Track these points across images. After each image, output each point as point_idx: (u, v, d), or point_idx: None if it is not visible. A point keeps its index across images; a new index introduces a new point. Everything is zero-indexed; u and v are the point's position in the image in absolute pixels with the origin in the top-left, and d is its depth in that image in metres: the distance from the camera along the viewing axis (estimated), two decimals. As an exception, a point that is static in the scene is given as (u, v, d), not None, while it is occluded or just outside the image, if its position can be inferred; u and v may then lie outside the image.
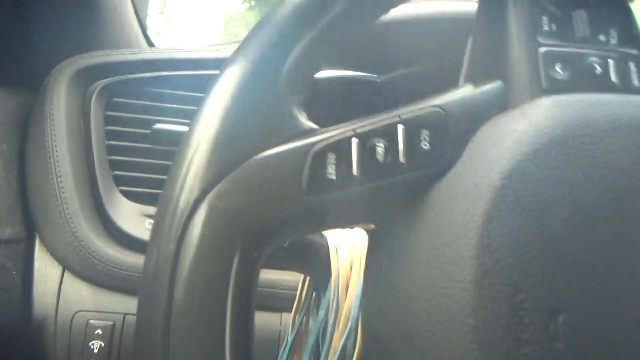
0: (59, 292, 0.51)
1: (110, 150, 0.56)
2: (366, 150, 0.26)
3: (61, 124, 0.53)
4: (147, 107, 0.57)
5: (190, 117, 0.57)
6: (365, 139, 0.26)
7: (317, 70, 0.28)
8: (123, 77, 0.57)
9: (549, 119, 0.25)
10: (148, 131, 0.56)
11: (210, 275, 0.24)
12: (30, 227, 0.52)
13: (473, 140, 0.27)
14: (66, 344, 0.50)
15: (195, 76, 0.58)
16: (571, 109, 0.26)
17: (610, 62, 0.28)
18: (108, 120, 0.56)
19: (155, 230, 0.25)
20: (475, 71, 0.32)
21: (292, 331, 0.44)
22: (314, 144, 0.25)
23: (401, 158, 0.26)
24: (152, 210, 0.56)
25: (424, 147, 0.26)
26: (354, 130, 0.26)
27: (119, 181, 0.56)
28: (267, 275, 0.53)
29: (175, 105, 0.57)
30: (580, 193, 0.24)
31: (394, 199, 0.27)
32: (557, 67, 0.28)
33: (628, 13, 0.30)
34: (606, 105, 0.26)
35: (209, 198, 0.24)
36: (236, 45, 0.60)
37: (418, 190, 0.27)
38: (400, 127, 0.26)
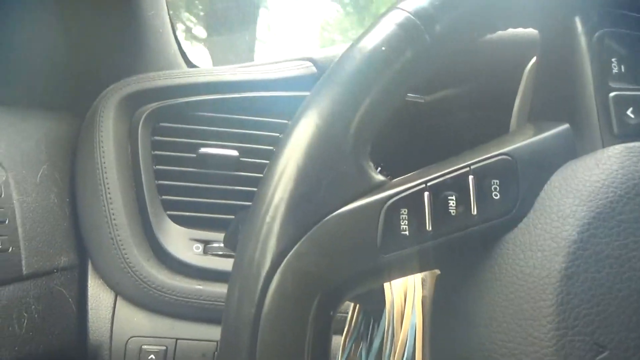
0: (112, 318, 0.52)
1: (158, 175, 0.57)
2: (438, 204, 0.26)
3: (110, 150, 0.54)
4: (193, 131, 0.58)
5: (235, 140, 0.58)
6: (436, 191, 0.26)
7: (385, 121, 0.28)
8: (169, 101, 0.58)
9: (624, 168, 0.25)
10: (194, 155, 0.57)
11: (289, 336, 0.24)
12: (82, 254, 0.53)
13: (545, 190, 0.26)
14: (121, 369, 0.51)
15: (240, 99, 0.59)
16: (635, 170, 0.25)
17: None
18: (155, 145, 0.57)
19: (233, 294, 0.25)
20: (540, 111, 0.32)
21: (342, 355, 0.44)
22: (386, 199, 0.25)
23: (473, 210, 0.26)
24: (199, 234, 0.56)
25: (494, 197, 0.26)
26: (425, 183, 0.26)
27: (167, 206, 0.56)
28: None
29: (220, 129, 0.58)
30: None
31: (464, 249, 0.27)
32: (629, 112, 0.28)
33: None
34: None
35: (287, 260, 0.24)
36: (286, 64, 0.60)
37: (489, 241, 0.26)
38: (470, 178, 0.26)
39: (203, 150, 0.57)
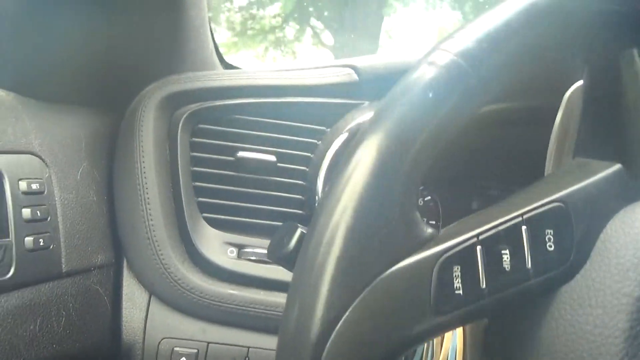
0: (146, 318, 0.52)
1: (195, 176, 0.56)
2: (492, 259, 0.25)
3: (150, 151, 0.54)
4: (231, 134, 0.57)
5: (273, 144, 0.58)
6: (489, 245, 0.25)
7: (428, 169, 0.27)
8: (209, 103, 0.57)
9: None
10: (232, 158, 0.57)
11: None
12: (118, 253, 0.53)
13: (601, 239, 0.25)
14: (152, 369, 0.51)
15: (279, 104, 0.58)
16: None
17: None
18: (193, 147, 0.57)
19: None
20: (587, 149, 0.31)
21: None
22: (438, 256, 0.24)
23: (527, 263, 0.25)
24: (234, 238, 0.56)
25: (549, 248, 0.25)
26: (477, 236, 0.25)
27: (203, 208, 0.56)
28: None
29: (259, 133, 0.58)
30: None
31: (518, 303, 0.26)
32: None
33: None
34: None
35: (338, 329, 0.23)
36: (327, 70, 0.59)
37: (545, 294, 0.25)
38: (524, 229, 0.25)
39: (241, 154, 0.57)
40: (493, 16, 0.26)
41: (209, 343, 0.51)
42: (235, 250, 0.55)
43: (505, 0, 0.26)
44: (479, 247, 0.25)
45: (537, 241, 0.25)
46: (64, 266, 0.46)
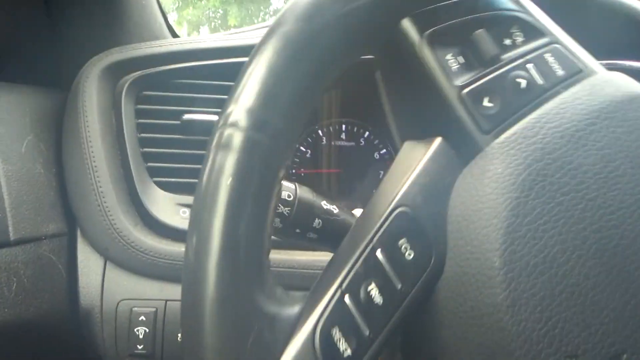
0: (102, 282, 0.53)
1: (143, 142, 0.57)
2: (363, 302, 0.25)
3: (94, 120, 0.55)
4: (176, 99, 0.58)
5: (218, 106, 0.58)
6: (355, 288, 0.25)
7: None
8: (151, 70, 0.58)
9: (510, 166, 0.24)
10: (178, 122, 0.58)
11: None
12: (71, 222, 0.54)
13: (451, 222, 0.26)
14: (112, 331, 0.52)
15: (221, 65, 0.59)
16: (521, 152, 0.25)
17: (529, 66, 0.28)
18: (139, 114, 0.58)
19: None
20: (407, 132, 0.32)
21: None
22: (313, 329, 0.24)
23: (397, 285, 0.25)
24: (185, 199, 0.57)
25: (408, 257, 0.25)
26: (339, 287, 0.25)
27: (152, 173, 0.57)
28: (301, 257, 0.54)
29: (203, 95, 0.58)
30: (574, 226, 0.23)
31: (409, 322, 0.26)
32: (486, 102, 0.27)
33: (521, 6, 0.30)
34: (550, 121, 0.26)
35: None
36: (261, 30, 0.60)
37: (426, 299, 0.26)
38: (379, 252, 0.25)
39: (187, 116, 0.57)
40: (264, 69, 0.25)
41: (166, 301, 0.52)
42: (187, 210, 0.56)
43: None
44: (346, 297, 0.25)
45: (395, 257, 0.25)
46: (11, 235, 0.47)
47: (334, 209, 0.40)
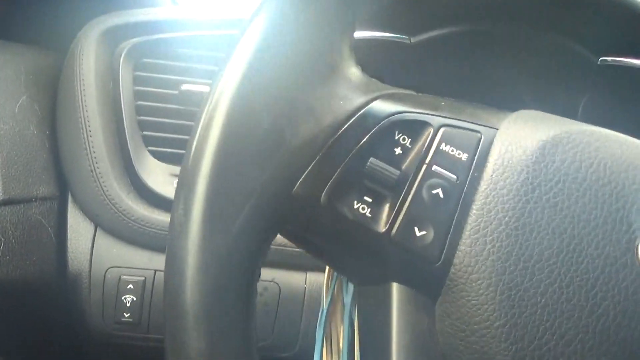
0: (92, 248, 0.52)
1: (139, 110, 0.56)
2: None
3: (91, 84, 0.54)
4: (175, 68, 0.57)
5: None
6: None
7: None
8: (152, 37, 0.57)
9: (483, 297, 0.25)
10: (176, 92, 0.57)
11: None
12: (62, 186, 0.53)
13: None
14: (100, 298, 0.52)
15: (224, 36, 0.58)
16: (483, 266, 0.25)
17: (435, 169, 0.26)
18: (137, 81, 0.56)
19: None
20: (358, 280, 0.33)
21: (326, 296, 0.44)
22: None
23: None
24: (179, 170, 0.56)
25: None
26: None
27: (147, 141, 0.56)
28: None
29: (203, 66, 0.57)
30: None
31: None
32: (418, 233, 0.26)
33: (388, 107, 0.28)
34: None
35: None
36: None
37: None
38: None
39: (185, 87, 0.56)
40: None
41: (156, 271, 0.52)
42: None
43: None
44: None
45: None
46: (1, 194, 0.46)
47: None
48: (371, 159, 0.26)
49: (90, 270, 0.52)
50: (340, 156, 0.26)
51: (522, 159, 0.25)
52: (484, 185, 0.25)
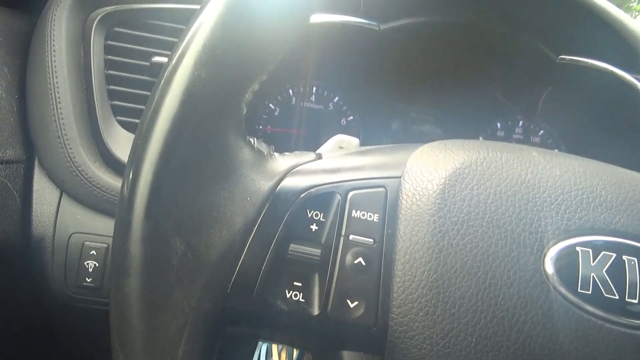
0: (56, 213, 0.53)
1: (110, 80, 0.57)
2: None
3: (62, 50, 0.54)
4: (147, 39, 0.57)
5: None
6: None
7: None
8: (125, 6, 0.57)
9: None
10: (147, 63, 0.57)
11: None
12: (29, 150, 0.54)
13: None
14: (62, 262, 0.53)
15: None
16: (417, 326, 0.26)
17: (353, 238, 0.28)
18: (108, 50, 0.57)
19: None
20: None
21: None
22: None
23: None
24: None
25: None
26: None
27: (116, 111, 0.57)
28: None
29: (175, 39, 0.58)
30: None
31: None
32: (351, 305, 0.27)
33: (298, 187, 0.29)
34: None
35: None
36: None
37: None
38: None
39: (156, 59, 0.57)
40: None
41: (119, 238, 0.53)
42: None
43: None
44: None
45: None
46: (-34, 155, 0.46)
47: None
48: (291, 246, 0.27)
49: (54, 235, 0.53)
50: (261, 253, 0.27)
51: (428, 209, 0.26)
52: (399, 243, 0.26)
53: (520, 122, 0.75)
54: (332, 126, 0.74)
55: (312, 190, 0.28)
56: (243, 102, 0.28)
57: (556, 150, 0.76)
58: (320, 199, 0.28)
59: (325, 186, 0.28)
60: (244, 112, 0.28)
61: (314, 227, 0.28)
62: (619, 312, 0.25)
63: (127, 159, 0.54)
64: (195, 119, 0.25)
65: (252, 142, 0.29)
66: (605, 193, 0.27)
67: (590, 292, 0.25)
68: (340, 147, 0.40)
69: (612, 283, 0.26)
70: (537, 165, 0.28)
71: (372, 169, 0.29)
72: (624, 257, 0.26)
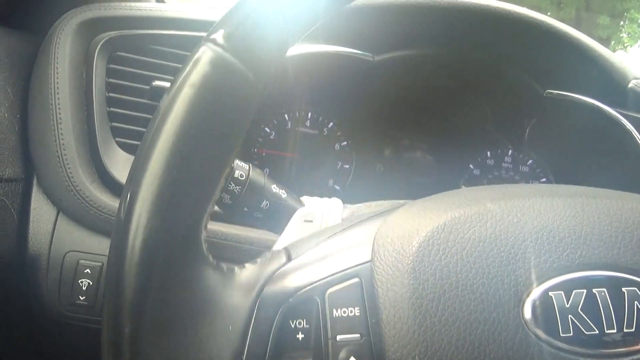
0: (53, 231, 0.54)
1: (110, 102, 0.58)
2: None
3: (65, 72, 0.55)
4: (148, 64, 0.59)
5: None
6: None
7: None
8: (128, 32, 0.59)
9: None
10: (147, 87, 0.59)
11: None
12: (28, 168, 0.55)
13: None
14: (57, 280, 0.53)
15: (198, 37, 0.60)
16: None
17: (340, 337, 0.28)
18: (110, 73, 0.59)
19: None
20: None
21: None
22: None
23: None
24: None
25: None
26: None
27: (116, 132, 0.58)
28: (234, 230, 0.56)
29: (175, 64, 0.60)
30: None
31: None
32: None
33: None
34: None
35: None
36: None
37: None
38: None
39: (157, 83, 0.59)
40: None
41: (113, 258, 0.54)
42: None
43: None
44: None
45: None
46: (-33, 173, 0.47)
47: (283, 193, 0.43)
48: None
49: (49, 253, 0.53)
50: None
51: (403, 292, 0.27)
52: (385, 332, 0.26)
53: (510, 152, 0.77)
54: (326, 151, 0.76)
55: (290, 300, 0.28)
56: (202, 224, 0.28)
57: (544, 179, 0.78)
58: (300, 306, 0.28)
59: (302, 292, 0.28)
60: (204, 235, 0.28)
61: (300, 336, 0.28)
62: (601, 346, 0.26)
63: (124, 180, 0.56)
64: (159, 269, 0.25)
65: (213, 262, 0.29)
66: (563, 229, 0.28)
67: (572, 334, 0.26)
68: (306, 221, 0.41)
69: (589, 320, 0.26)
70: (494, 217, 0.29)
71: (342, 258, 0.29)
72: (594, 291, 0.27)
